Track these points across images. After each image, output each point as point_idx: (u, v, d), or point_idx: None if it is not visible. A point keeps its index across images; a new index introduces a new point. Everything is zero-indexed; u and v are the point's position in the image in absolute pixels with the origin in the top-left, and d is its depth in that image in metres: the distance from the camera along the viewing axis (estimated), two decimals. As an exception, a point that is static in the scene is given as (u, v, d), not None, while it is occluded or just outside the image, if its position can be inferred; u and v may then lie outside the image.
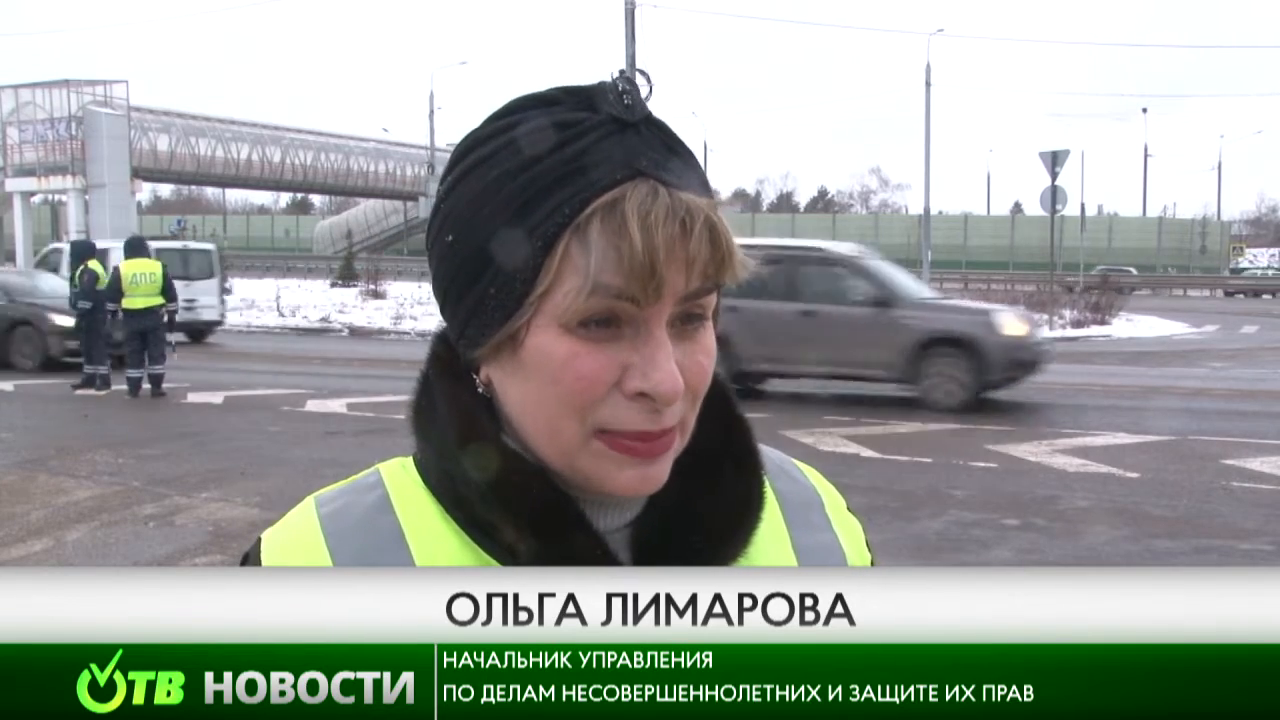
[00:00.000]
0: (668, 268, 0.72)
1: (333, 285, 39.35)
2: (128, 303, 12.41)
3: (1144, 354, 20.02)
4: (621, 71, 0.77)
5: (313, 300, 32.19)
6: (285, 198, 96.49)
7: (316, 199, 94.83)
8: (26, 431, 10.35)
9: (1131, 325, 27.20)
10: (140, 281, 12.47)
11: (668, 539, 0.80)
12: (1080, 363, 18.31)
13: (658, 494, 0.80)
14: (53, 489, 7.88)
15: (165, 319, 12.71)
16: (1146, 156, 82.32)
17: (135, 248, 13.02)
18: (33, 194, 54.38)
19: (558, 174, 0.73)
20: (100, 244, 16.75)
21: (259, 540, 0.82)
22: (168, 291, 12.66)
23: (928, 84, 40.71)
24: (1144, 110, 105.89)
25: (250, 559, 0.81)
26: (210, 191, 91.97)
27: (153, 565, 6.08)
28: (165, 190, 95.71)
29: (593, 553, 0.77)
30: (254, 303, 30.67)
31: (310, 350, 19.80)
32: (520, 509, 0.76)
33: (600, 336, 0.74)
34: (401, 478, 0.82)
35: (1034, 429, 10.44)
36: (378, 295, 32.83)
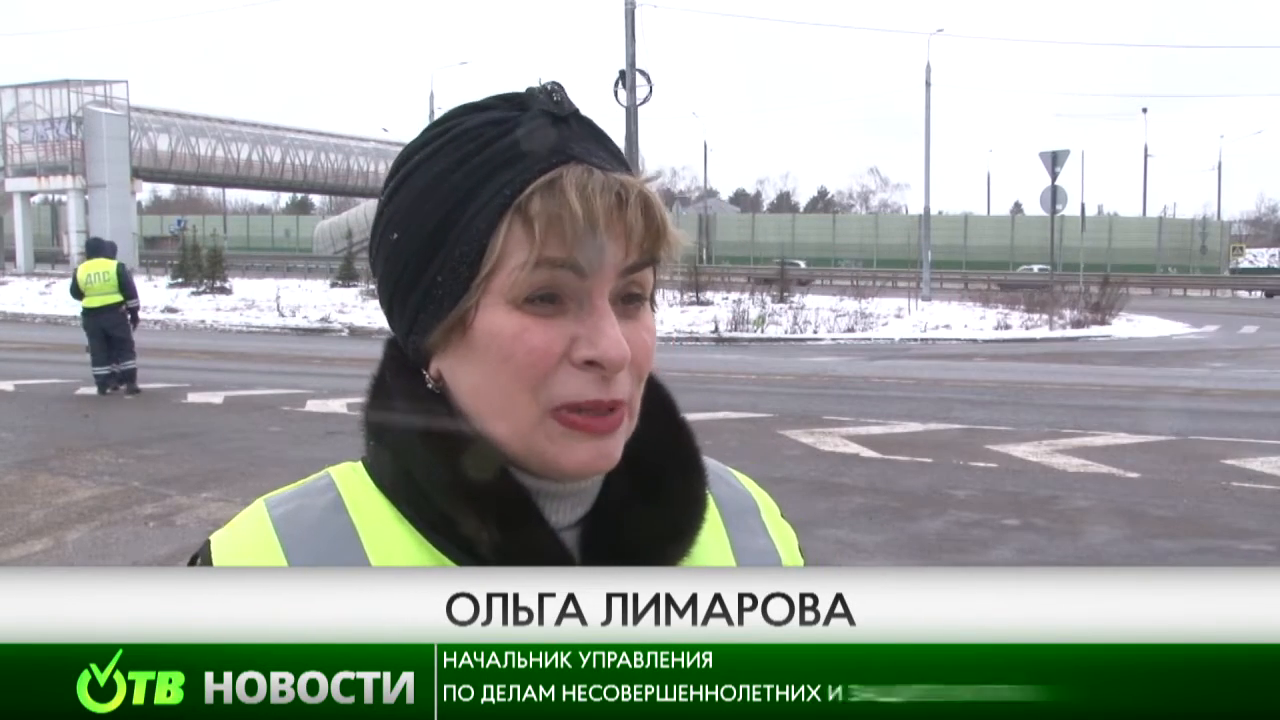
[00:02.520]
0: (607, 236, 0.75)
1: (333, 285, 39.30)
2: (86, 302, 12.88)
3: (1144, 354, 20.01)
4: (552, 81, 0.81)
5: (313, 300, 32.15)
6: (285, 198, 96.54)
7: (316, 199, 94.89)
8: (26, 431, 10.35)
9: (1132, 325, 27.19)
10: (94, 281, 12.90)
11: (616, 537, 0.81)
12: (1080, 363, 18.33)
13: (606, 494, 0.82)
14: (53, 489, 7.88)
15: (125, 315, 13.02)
16: (1146, 156, 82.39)
17: (94, 248, 13.48)
18: (33, 194, 54.51)
19: (496, 162, 0.76)
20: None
21: (207, 543, 0.81)
22: (126, 289, 13.04)
23: (928, 84, 40.72)
24: (1144, 110, 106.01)
25: (200, 563, 0.80)
26: (210, 191, 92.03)
27: (153, 565, 6.08)
28: (165, 190, 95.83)
29: (549, 548, 0.78)
30: (254, 303, 30.67)
31: (310, 350, 19.80)
32: (483, 502, 0.77)
33: (547, 312, 0.76)
34: (353, 480, 0.83)
35: (1034, 429, 10.44)
36: (378, 295, 32.76)
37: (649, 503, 0.83)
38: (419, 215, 0.78)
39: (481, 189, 0.76)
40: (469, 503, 0.77)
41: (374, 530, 0.79)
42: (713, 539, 0.87)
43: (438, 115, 0.83)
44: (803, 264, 58.77)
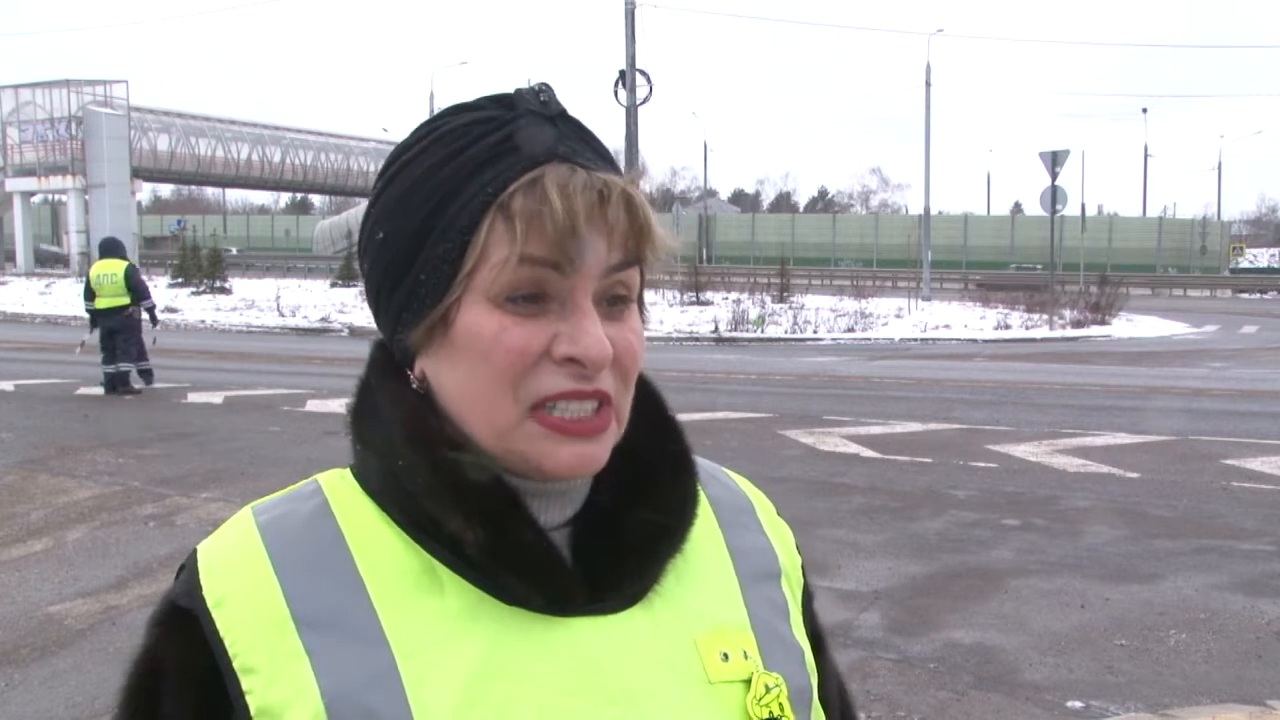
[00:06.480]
0: (589, 233, 0.75)
1: (333, 285, 39.30)
2: (96, 303, 12.94)
3: (1144, 354, 20.00)
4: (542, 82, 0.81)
5: (313, 300, 32.16)
6: (285, 198, 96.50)
7: (316, 199, 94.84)
8: (26, 431, 10.34)
9: (1131, 325, 27.20)
10: (103, 282, 12.94)
11: (606, 536, 0.81)
12: (1080, 363, 18.31)
13: (596, 494, 0.82)
14: (53, 489, 7.88)
15: (134, 318, 13.01)
16: (1146, 156, 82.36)
17: (106, 249, 13.40)
18: (33, 194, 54.42)
19: (480, 160, 0.76)
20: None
21: (194, 552, 0.80)
22: (135, 291, 12.98)
23: (928, 84, 40.69)
24: (1144, 110, 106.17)
25: (187, 571, 0.79)
26: (210, 191, 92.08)
27: (153, 565, 6.08)
28: (165, 190, 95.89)
29: (538, 547, 0.77)
30: (254, 303, 30.66)
31: (310, 350, 19.79)
32: (469, 501, 0.76)
33: (528, 311, 0.76)
34: (340, 486, 0.82)
35: (1034, 429, 10.44)
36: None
37: (640, 500, 0.82)
38: (404, 213, 0.78)
39: (465, 187, 0.76)
40: (455, 504, 0.76)
41: (361, 534, 0.78)
42: (707, 537, 0.86)
43: (435, 111, 0.82)
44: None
